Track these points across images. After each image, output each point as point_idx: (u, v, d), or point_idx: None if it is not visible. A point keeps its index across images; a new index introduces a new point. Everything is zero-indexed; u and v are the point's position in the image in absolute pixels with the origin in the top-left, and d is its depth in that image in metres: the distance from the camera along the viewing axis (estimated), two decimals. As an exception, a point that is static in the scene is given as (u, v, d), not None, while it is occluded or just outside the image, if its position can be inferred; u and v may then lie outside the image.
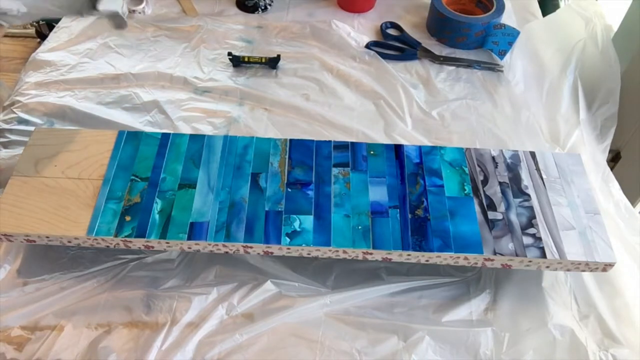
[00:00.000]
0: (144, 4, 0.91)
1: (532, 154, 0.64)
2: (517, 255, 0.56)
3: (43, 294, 0.58)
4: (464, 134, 0.76)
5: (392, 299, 0.60)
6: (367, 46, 0.87)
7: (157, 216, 0.57)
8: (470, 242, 0.56)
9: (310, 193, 0.60)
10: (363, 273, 0.61)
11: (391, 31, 0.91)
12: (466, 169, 0.62)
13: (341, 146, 0.64)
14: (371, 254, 0.56)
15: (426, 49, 0.87)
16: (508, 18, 0.93)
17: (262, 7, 0.93)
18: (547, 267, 0.57)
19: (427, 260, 0.57)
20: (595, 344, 0.57)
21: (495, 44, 0.86)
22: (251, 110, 0.78)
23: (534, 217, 0.58)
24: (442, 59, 0.86)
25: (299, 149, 0.64)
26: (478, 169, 0.63)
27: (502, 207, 0.59)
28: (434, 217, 0.58)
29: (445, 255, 0.56)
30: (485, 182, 0.61)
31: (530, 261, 0.56)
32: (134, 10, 0.90)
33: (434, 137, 0.75)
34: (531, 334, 0.57)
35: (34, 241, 0.57)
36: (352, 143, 0.64)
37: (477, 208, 0.59)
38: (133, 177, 0.60)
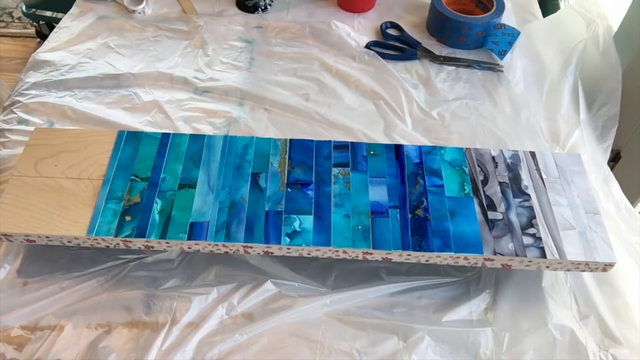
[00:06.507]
0: (144, 4, 0.90)
1: (532, 154, 0.64)
2: (517, 255, 0.56)
3: (43, 294, 0.58)
4: (464, 134, 0.76)
5: (392, 299, 0.60)
6: (367, 46, 0.87)
7: (157, 216, 0.57)
8: (470, 242, 0.56)
9: (310, 193, 0.60)
10: (363, 273, 0.61)
11: (391, 31, 0.91)
12: (466, 169, 0.62)
13: (341, 146, 0.64)
14: (371, 254, 0.56)
15: (426, 49, 0.87)
16: (508, 18, 0.93)
17: (262, 7, 0.93)
18: (547, 267, 0.57)
19: (427, 260, 0.57)
20: (595, 344, 0.57)
21: (495, 44, 0.86)
22: (251, 110, 0.78)
23: (534, 217, 0.58)
24: (442, 59, 0.86)
25: (299, 149, 0.64)
26: (478, 169, 0.62)
27: (502, 207, 0.59)
28: (434, 217, 0.58)
29: (445, 255, 0.56)
30: (485, 182, 0.61)
31: (530, 261, 0.56)
32: (134, 10, 0.90)
33: (434, 137, 0.75)
34: (531, 334, 0.57)
35: (34, 241, 0.57)
36: (352, 143, 0.64)
37: (477, 208, 0.59)
38: (133, 177, 0.60)
